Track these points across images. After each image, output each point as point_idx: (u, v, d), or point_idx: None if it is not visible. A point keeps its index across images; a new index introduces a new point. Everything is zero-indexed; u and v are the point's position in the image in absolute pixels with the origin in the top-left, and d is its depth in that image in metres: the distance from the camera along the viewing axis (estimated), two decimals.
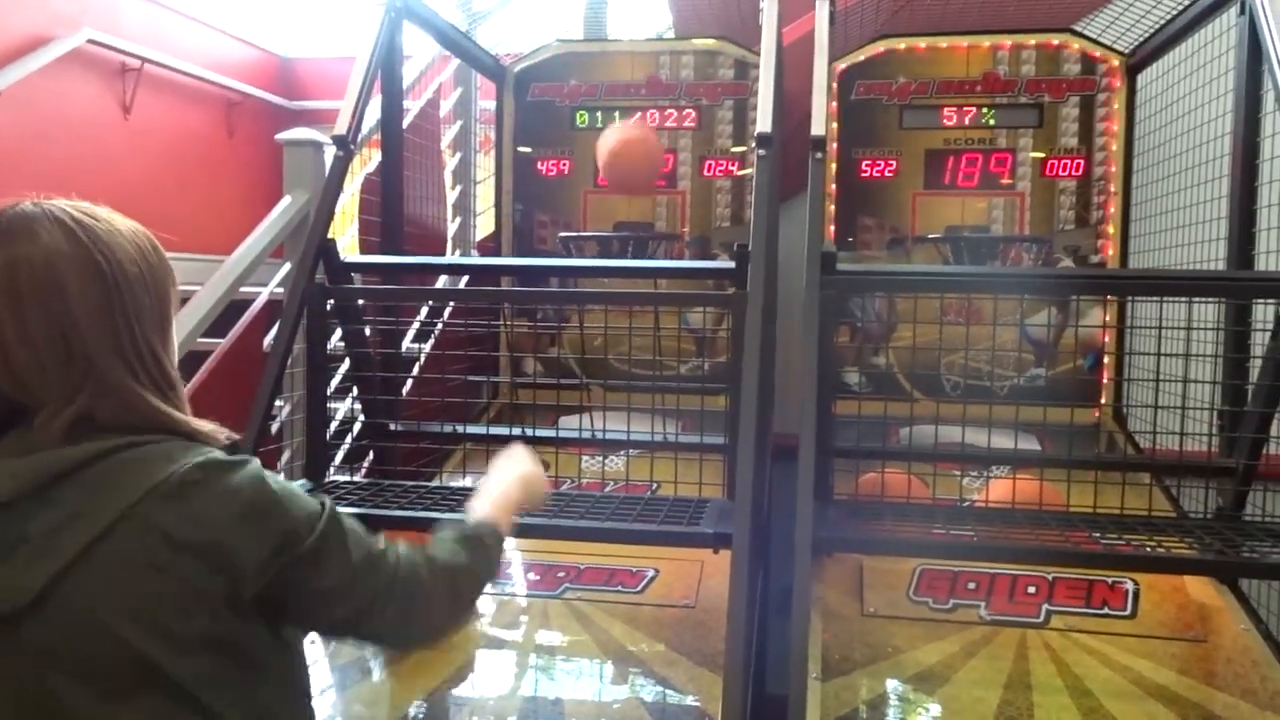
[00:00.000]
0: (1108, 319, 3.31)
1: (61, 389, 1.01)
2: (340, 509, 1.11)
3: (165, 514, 0.97)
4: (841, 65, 3.75)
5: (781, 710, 1.66)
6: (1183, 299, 2.23)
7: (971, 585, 2.34)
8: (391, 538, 1.18)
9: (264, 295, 3.48)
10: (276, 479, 1.06)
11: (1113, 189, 3.60)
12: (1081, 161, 3.63)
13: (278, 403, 2.80)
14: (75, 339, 1.01)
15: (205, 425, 1.09)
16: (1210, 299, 2.45)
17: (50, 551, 0.95)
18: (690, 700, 2.08)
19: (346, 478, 2.53)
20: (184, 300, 1.12)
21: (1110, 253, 3.59)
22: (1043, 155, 3.66)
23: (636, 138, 3.45)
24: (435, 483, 2.50)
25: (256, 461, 1.07)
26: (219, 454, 1.04)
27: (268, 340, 2.99)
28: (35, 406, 1.02)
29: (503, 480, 1.46)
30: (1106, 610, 2.26)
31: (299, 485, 1.12)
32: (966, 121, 3.70)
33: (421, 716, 2.07)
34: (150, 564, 0.96)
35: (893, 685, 2.08)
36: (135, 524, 0.96)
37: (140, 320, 1.06)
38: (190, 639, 0.98)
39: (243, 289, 3.44)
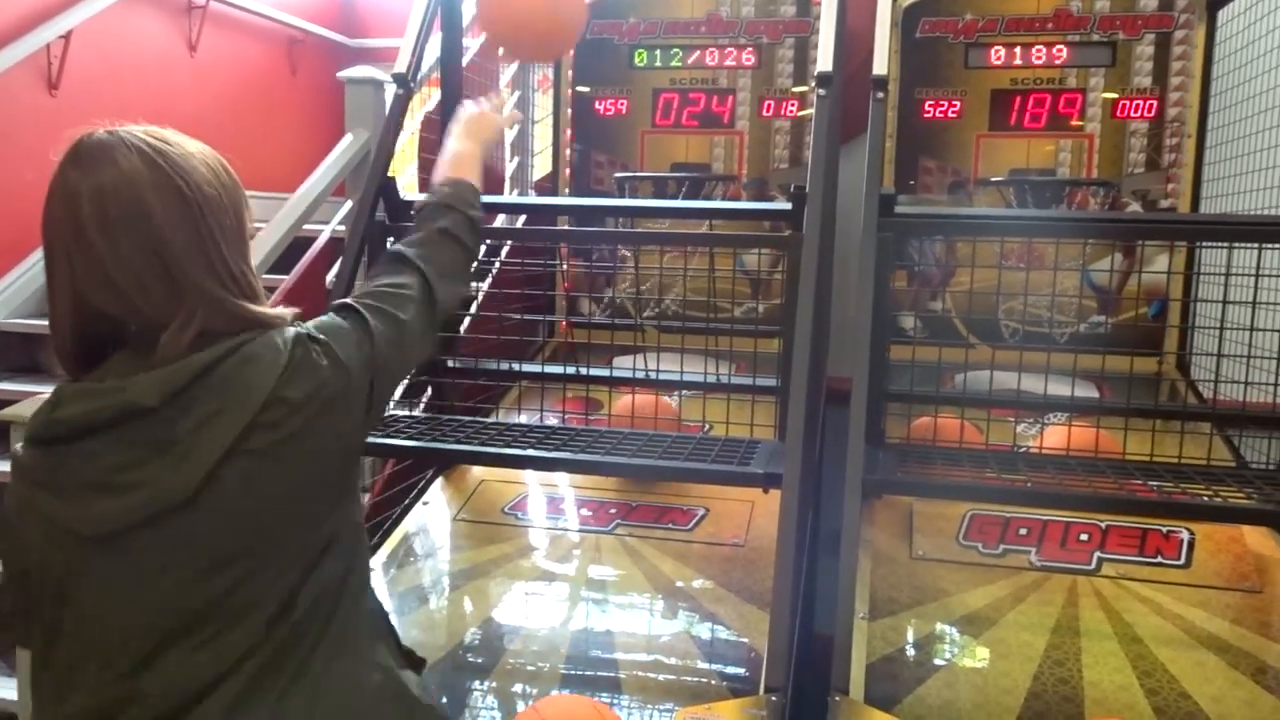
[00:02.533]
0: (1174, 265, 3.23)
1: (167, 306, 1.07)
2: (367, 304, 1.26)
3: (291, 390, 1.09)
4: (906, 1, 3.65)
5: (827, 648, 1.69)
6: (1253, 245, 2.16)
7: (1022, 531, 2.33)
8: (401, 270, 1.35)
9: (326, 232, 3.54)
10: (332, 323, 1.21)
11: (1187, 131, 3.48)
12: (1155, 102, 3.51)
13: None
14: (170, 259, 1.07)
15: (279, 310, 1.19)
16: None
17: (201, 448, 1.04)
18: (738, 636, 2.12)
19: (405, 412, 2.59)
20: (251, 236, 1.19)
21: (1182, 196, 3.49)
22: (1114, 96, 3.54)
23: None
24: (491, 419, 2.54)
25: (315, 321, 1.20)
26: (298, 329, 1.16)
27: (330, 276, 3.05)
28: (141, 324, 1.09)
29: (453, 142, 1.66)
30: (1160, 559, 2.25)
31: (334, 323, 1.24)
32: (1035, 60, 3.60)
33: (476, 643, 2.14)
34: (293, 434, 1.08)
35: (939, 627, 2.10)
36: (273, 410, 1.07)
37: (224, 238, 1.12)
38: (330, 493, 1.15)
39: (306, 226, 3.51)
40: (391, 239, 2.43)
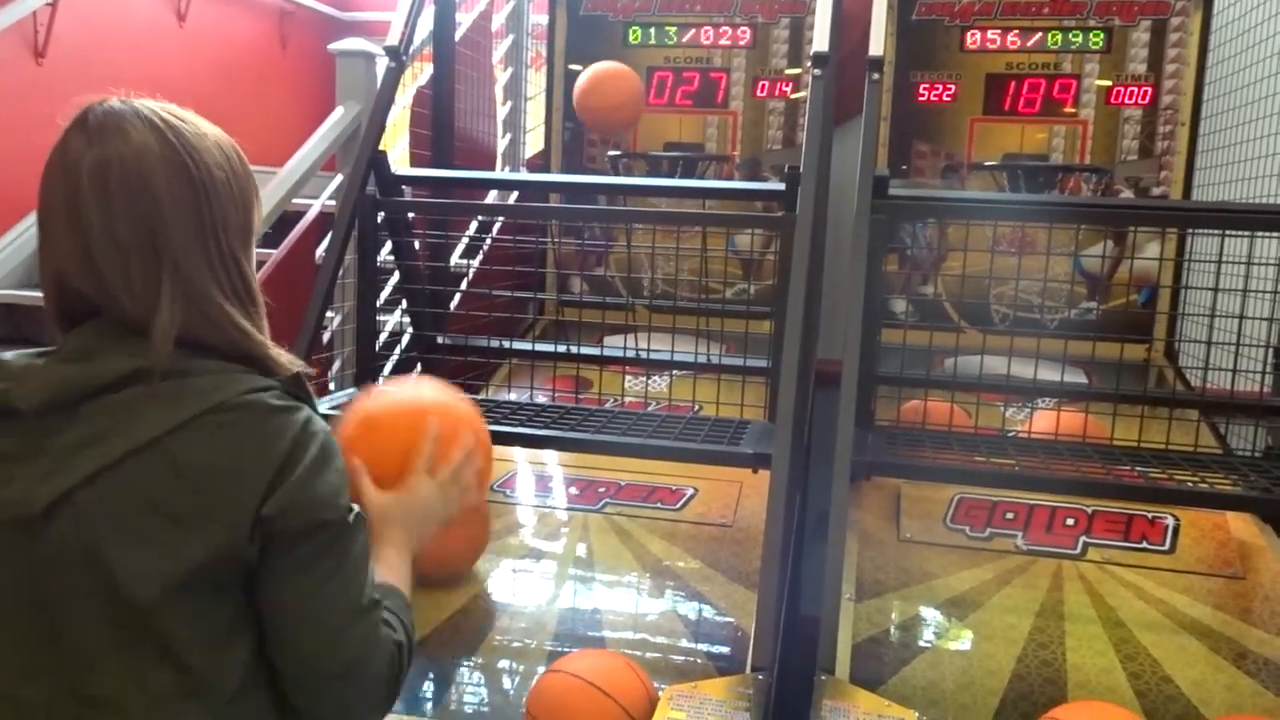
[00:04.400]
0: (1165, 253, 3.23)
1: (146, 297, 0.97)
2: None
3: (189, 448, 0.94)
4: None
5: (813, 629, 1.70)
6: (1245, 233, 2.17)
7: (1009, 515, 2.34)
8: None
9: (316, 206, 3.51)
10: (325, 438, 1.00)
11: (1181, 119, 3.48)
12: (1149, 90, 3.51)
13: (329, 313, 2.85)
14: (163, 240, 0.98)
15: (279, 354, 1.04)
16: (1273, 234, 2.38)
17: (65, 469, 0.93)
18: (724, 616, 2.13)
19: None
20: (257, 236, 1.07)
21: (1174, 184, 3.49)
22: (1109, 82, 3.54)
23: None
24: (481, 396, 2.54)
25: (308, 411, 1.00)
26: (269, 397, 0.98)
27: (319, 251, 3.03)
28: (111, 311, 0.99)
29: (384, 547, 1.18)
30: (1145, 545, 2.26)
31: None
32: (1031, 45, 3.59)
33: (462, 620, 2.14)
34: (156, 497, 0.93)
35: (925, 609, 2.11)
36: (154, 455, 0.93)
37: (226, 228, 1.02)
38: (180, 580, 0.93)
39: (295, 200, 3.48)
40: (382, 214, 2.42)
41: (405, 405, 1.31)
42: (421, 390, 1.35)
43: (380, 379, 2.61)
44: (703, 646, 2.04)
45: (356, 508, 1.02)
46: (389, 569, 1.13)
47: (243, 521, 0.93)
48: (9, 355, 1.01)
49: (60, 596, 0.95)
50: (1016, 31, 3.59)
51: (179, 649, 0.94)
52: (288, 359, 1.04)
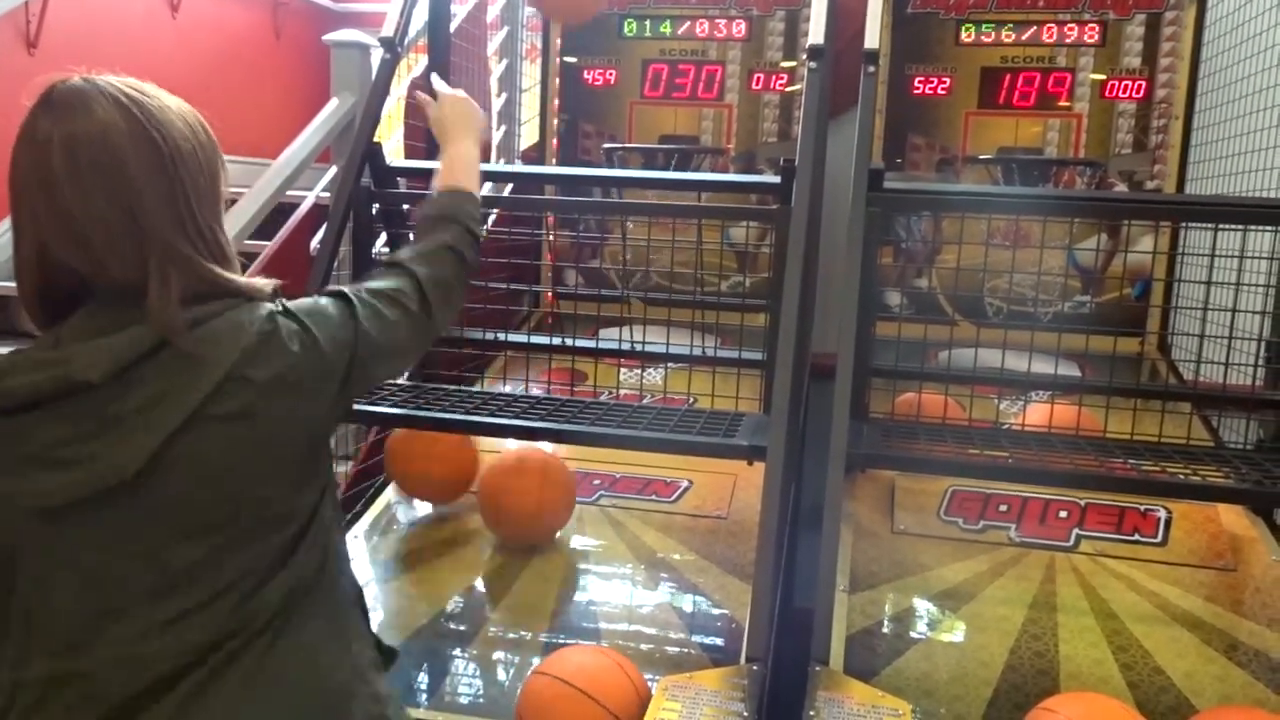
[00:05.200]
0: (1159, 246, 3.24)
1: (134, 262, 1.02)
2: (360, 296, 1.20)
3: (254, 369, 1.04)
4: None
5: (808, 620, 1.70)
6: (1237, 227, 2.17)
7: (1002, 507, 2.35)
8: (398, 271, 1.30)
9: (310, 198, 3.50)
10: (315, 305, 1.15)
11: (1175, 113, 3.48)
12: (1143, 83, 3.52)
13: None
14: (141, 213, 1.02)
15: (257, 281, 1.13)
16: (1266, 227, 2.38)
17: (145, 428, 1.00)
18: (719, 608, 2.14)
19: (390, 380, 2.57)
20: (231, 202, 1.15)
21: (1168, 178, 3.50)
22: (1103, 76, 3.54)
23: None
24: (476, 388, 2.54)
25: (297, 302, 1.15)
26: (275, 307, 1.11)
27: (314, 243, 3.03)
28: (106, 281, 1.03)
29: (449, 146, 1.56)
30: (1137, 537, 2.28)
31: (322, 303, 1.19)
32: (1026, 38, 3.59)
33: (458, 611, 2.15)
34: (250, 415, 1.04)
35: (918, 601, 2.12)
36: (230, 388, 1.02)
37: (197, 196, 1.07)
38: (293, 476, 1.10)
39: (289, 192, 3.47)
40: (377, 206, 2.42)
41: None
42: None
43: None
44: (697, 638, 2.05)
45: (351, 300, 1.18)
46: (455, 162, 1.51)
47: (327, 390, 1.12)
48: (6, 354, 1.03)
49: (172, 535, 1.03)
50: (1011, 24, 3.59)
51: (310, 519, 1.13)
52: (261, 281, 1.14)
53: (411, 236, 1.43)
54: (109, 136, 1.01)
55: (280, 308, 1.11)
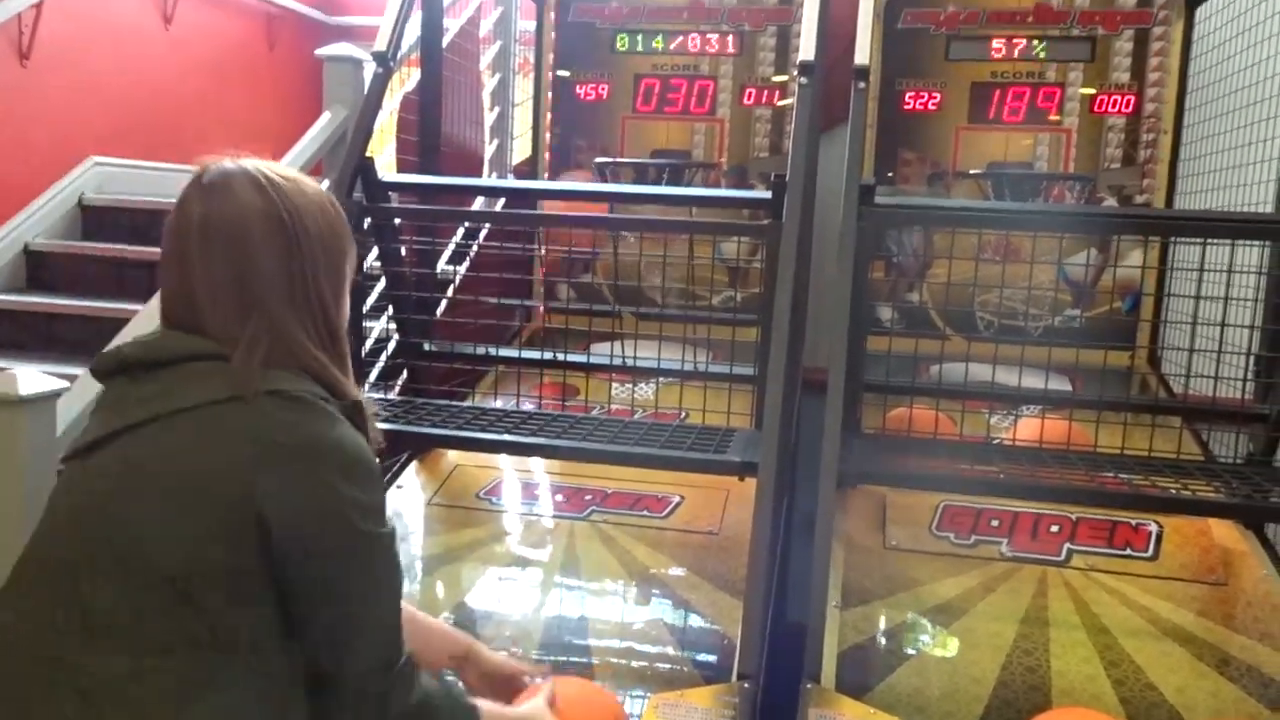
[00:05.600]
0: (1148, 261, 3.26)
1: (232, 325, 1.09)
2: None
3: (247, 418, 1.05)
4: None
5: (800, 636, 1.70)
6: (1225, 241, 2.19)
7: (994, 522, 2.35)
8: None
9: None
10: (358, 456, 1.09)
11: (1163, 127, 3.51)
12: (1132, 98, 3.54)
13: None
14: (253, 281, 1.10)
15: (349, 384, 1.15)
16: (1254, 241, 2.40)
17: (163, 398, 1.07)
18: (711, 624, 2.13)
19: (381, 395, 2.57)
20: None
21: (1157, 193, 3.52)
22: (1092, 91, 3.57)
23: None
24: (468, 403, 2.53)
25: (355, 433, 1.11)
26: (325, 403, 1.09)
27: None
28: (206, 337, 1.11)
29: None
30: (1128, 551, 2.28)
31: None
32: (1015, 54, 3.61)
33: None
34: (209, 461, 1.04)
35: (910, 616, 2.11)
36: (214, 415, 1.05)
37: (315, 274, 1.13)
38: (212, 557, 1.03)
39: None
40: (369, 220, 2.42)
41: None
42: None
43: (365, 387, 2.60)
44: (689, 654, 2.04)
45: (393, 525, 1.13)
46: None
47: (249, 495, 1.03)
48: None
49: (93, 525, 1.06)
50: (1001, 39, 3.61)
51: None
52: (355, 389, 1.15)
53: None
54: (241, 212, 1.11)
55: (334, 408, 1.10)
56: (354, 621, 1.09)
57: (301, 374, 1.10)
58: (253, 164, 1.14)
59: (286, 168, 1.17)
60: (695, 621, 2.14)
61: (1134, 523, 2.34)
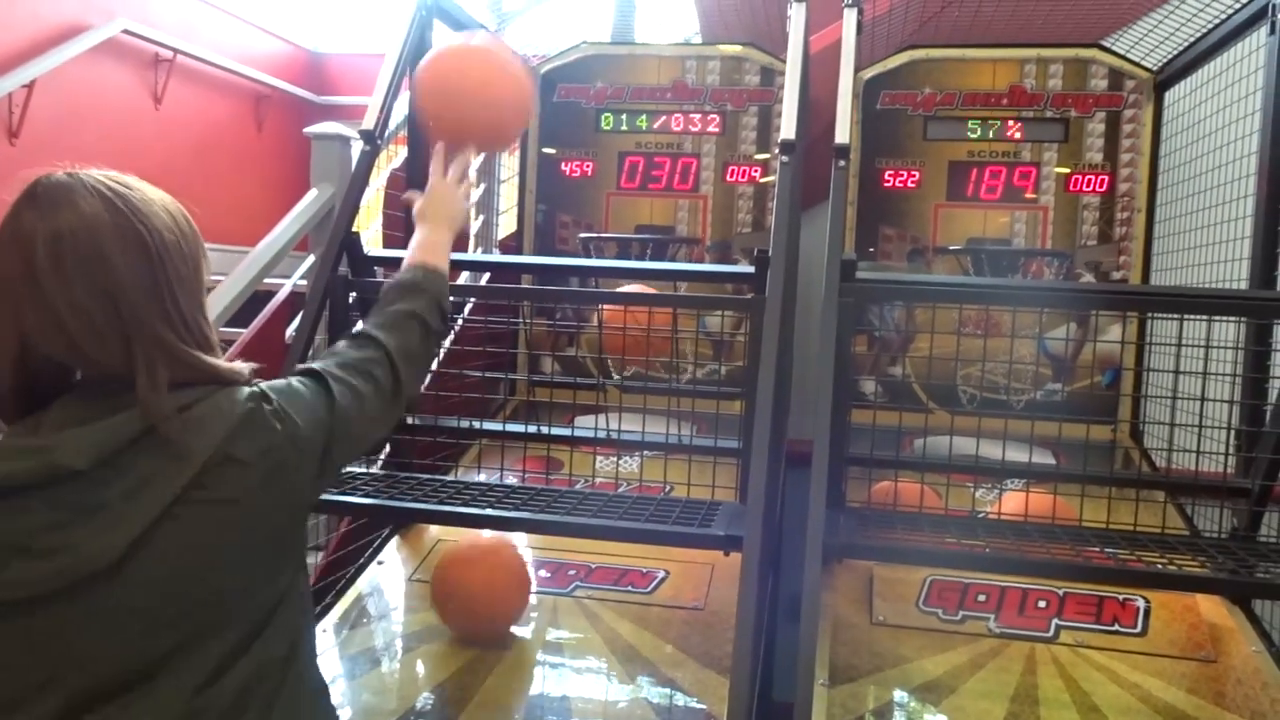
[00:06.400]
0: (1127, 335, 3.30)
1: (120, 354, 1.03)
2: (331, 373, 1.22)
3: (239, 449, 1.05)
4: (867, 75, 3.75)
5: (787, 715, 1.67)
6: (1203, 317, 2.22)
7: (981, 597, 2.33)
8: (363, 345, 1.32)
9: (288, 286, 3.52)
10: (289, 386, 1.17)
11: (1137, 205, 3.58)
12: (1106, 177, 3.62)
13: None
14: (125, 306, 1.03)
15: (236, 365, 1.15)
16: (1231, 318, 2.43)
17: (131, 514, 1.00)
18: (696, 703, 2.09)
19: (363, 469, 2.55)
20: (210, 289, 1.16)
21: (1133, 269, 3.58)
22: (1067, 170, 3.65)
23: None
24: (450, 477, 2.51)
25: (270, 385, 1.16)
26: (254, 388, 1.13)
27: (290, 331, 3.03)
28: (91, 372, 1.06)
29: (422, 228, 1.60)
30: (1117, 627, 2.26)
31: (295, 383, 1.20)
32: (991, 134, 3.70)
33: (429, 709, 2.09)
34: (235, 497, 1.05)
35: (899, 694, 2.08)
36: (216, 470, 1.03)
37: (180, 286, 1.08)
38: (272, 559, 1.11)
39: (267, 280, 3.48)
40: (354, 294, 2.42)
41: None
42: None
43: None
44: None
45: (327, 382, 1.20)
46: (427, 242, 1.56)
47: (307, 469, 1.13)
48: None
49: (148, 629, 1.02)
50: (977, 120, 3.70)
51: (283, 600, 1.13)
52: (240, 365, 1.15)
53: (382, 299, 1.45)
54: (93, 230, 1.02)
55: (259, 390, 1.12)
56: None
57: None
58: (88, 174, 1.07)
59: (122, 175, 1.10)
60: (680, 700, 2.09)
61: (1121, 598, 2.32)
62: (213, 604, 1.05)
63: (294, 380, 1.19)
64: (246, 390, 1.11)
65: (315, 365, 1.23)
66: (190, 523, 1.02)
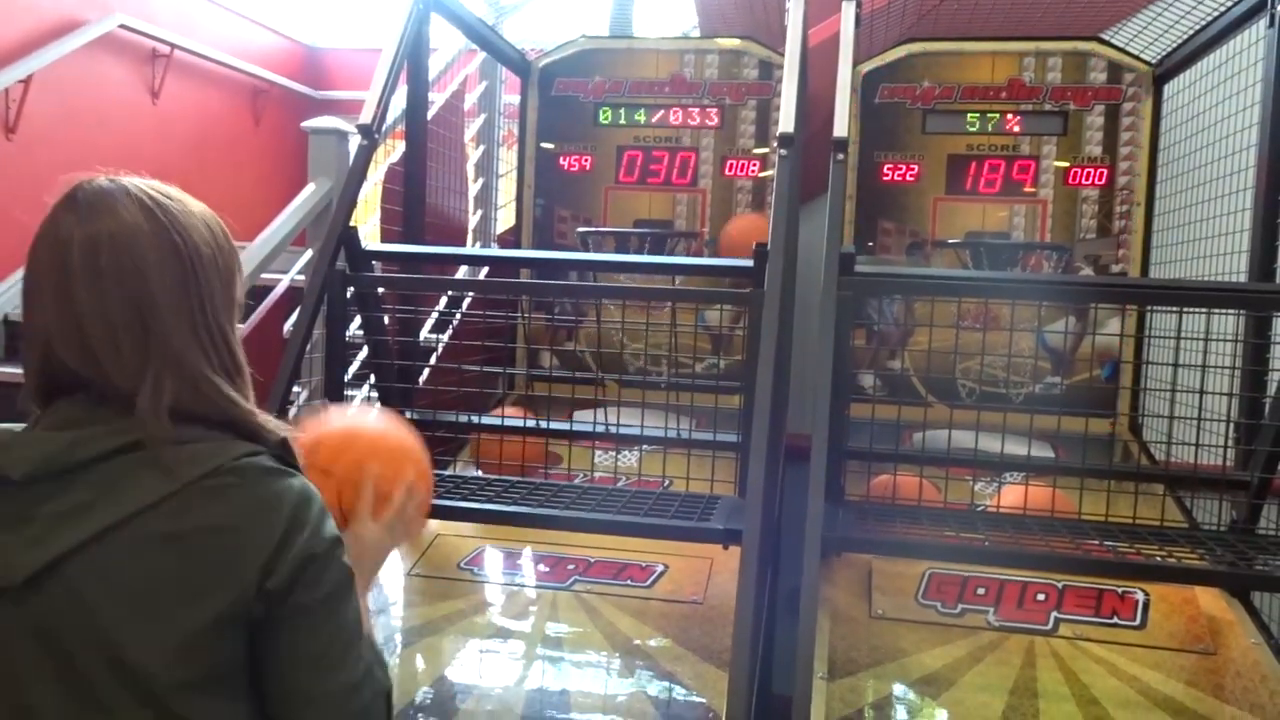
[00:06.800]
0: (1126, 329, 3.30)
1: (133, 368, 0.99)
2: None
3: (184, 515, 0.95)
4: (865, 68, 3.74)
5: (786, 709, 1.67)
6: (1201, 310, 2.22)
7: (980, 591, 2.33)
8: None
9: (285, 281, 3.51)
10: (319, 503, 1.03)
11: (1136, 199, 3.58)
12: (1105, 170, 3.62)
13: (295, 387, 2.83)
14: (152, 318, 1.00)
15: (267, 420, 1.06)
16: (1229, 310, 2.43)
17: (54, 535, 0.94)
18: (695, 696, 2.09)
19: None
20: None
21: (1132, 262, 3.58)
22: (1066, 164, 3.64)
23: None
24: (448, 471, 2.51)
25: (302, 478, 1.04)
26: (262, 460, 1.01)
27: (288, 326, 3.02)
28: (101, 384, 1.00)
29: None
30: (1116, 620, 2.26)
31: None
32: (990, 128, 3.69)
33: (428, 703, 2.08)
34: (152, 566, 0.94)
35: (898, 687, 2.08)
36: (147, 523, 0.95)
37: (213, 302, 1.05)
38: (182, 645, 0.95)
39: (264, 275, 3.47)
40: (351, 289, 2.42)
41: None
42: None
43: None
44: None
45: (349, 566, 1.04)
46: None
47: (248, 585, 0.95)
48: None
49: (41, 667, 0.94)
50: (976, 114, 3.69)
51: (180, 709, 0.95)
52: (275, 424, 1.05)
53: None
54: (133, 240, 1.00)
55: (268, 467, 1.01)
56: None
57: (214, 429, 1.01)
58: (131, 182, 1.04)
59: (164, 184, 1.06)
60: (679, 694, 2.09)
61: (1121, 591, 2.32)
62: (119, 663, 0.94)
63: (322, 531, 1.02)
64: (251, 459, 1.00)
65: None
66: (105, 563, 0.94)
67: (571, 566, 2.49)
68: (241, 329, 3.14)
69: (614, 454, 2.99)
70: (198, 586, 0.95)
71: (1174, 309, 2.27)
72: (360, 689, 1.04)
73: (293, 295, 3.34)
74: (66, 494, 0.95)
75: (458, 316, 3.36)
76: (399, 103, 2.94)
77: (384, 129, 2.72)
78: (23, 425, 1.04)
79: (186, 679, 0.95)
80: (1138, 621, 2.25)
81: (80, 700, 0.94)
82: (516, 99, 4.09)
